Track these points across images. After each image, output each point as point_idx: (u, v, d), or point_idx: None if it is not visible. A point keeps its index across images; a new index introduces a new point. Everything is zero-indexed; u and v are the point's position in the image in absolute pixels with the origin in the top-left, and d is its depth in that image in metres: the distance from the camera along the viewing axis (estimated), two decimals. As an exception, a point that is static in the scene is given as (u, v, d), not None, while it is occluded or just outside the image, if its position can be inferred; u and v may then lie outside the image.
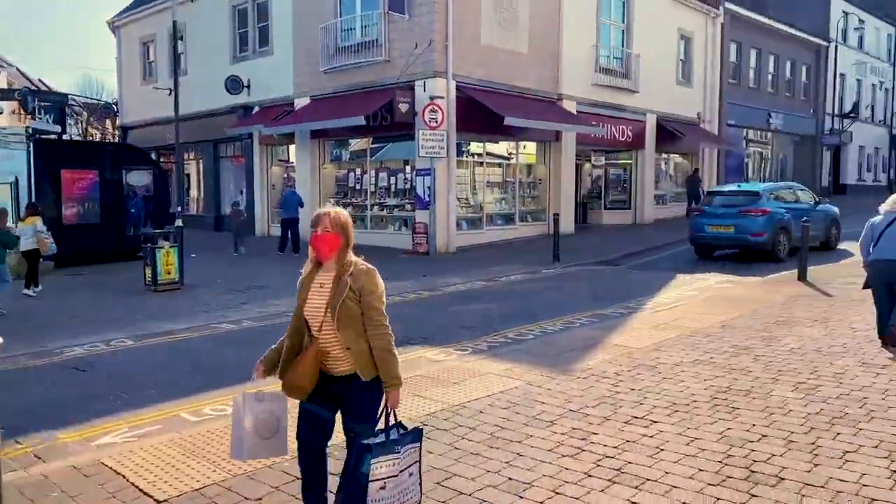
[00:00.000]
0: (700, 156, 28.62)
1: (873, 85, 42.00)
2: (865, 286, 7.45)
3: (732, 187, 17.70)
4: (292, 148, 22.49)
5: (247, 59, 23.72)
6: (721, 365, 6.80)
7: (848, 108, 38.75)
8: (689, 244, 16.51)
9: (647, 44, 24.80)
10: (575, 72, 21.91)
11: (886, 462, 4.38)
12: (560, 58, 21.26)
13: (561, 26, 21.18)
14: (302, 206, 18.39)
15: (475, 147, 20.00)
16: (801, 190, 17.31)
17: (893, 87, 44.14)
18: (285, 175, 23.42)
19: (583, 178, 25.78)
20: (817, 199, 17.23)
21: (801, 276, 12.01)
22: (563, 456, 4.61)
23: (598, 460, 4.53)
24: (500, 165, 21.10)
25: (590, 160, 25.64)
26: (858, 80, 40.27)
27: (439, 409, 5.65)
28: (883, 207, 7.31)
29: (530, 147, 21.94)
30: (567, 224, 21.61)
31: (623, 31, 24.27)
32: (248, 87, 23.09)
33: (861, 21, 37.84)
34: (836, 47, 37.22)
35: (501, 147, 21.00)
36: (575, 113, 21.72)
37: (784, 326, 8.47)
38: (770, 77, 33.47)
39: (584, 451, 4.69)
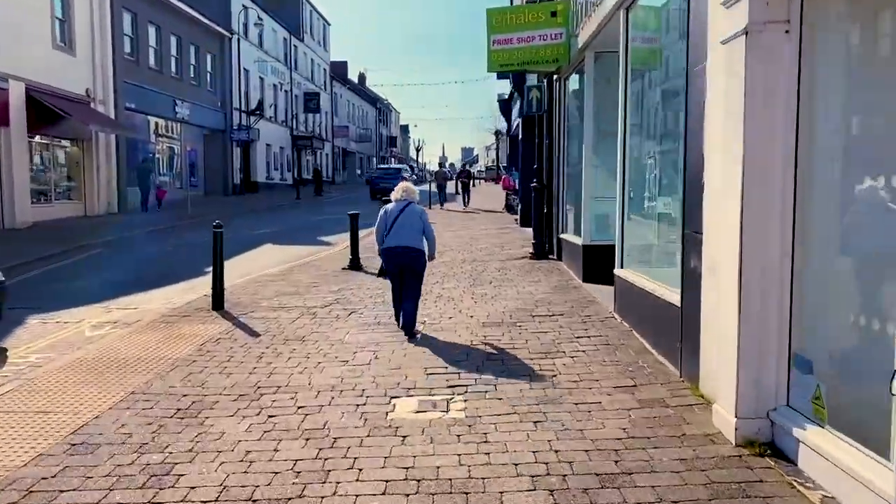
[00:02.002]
0: (93, 142, 23.21)
1: (275, 85, 43.22)
2: (381, 274, 7.55)
3: (386, 166, 44.81)
4: None
5: None
6: None
7: (254, 104, 38.62)
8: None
9: (2, -17, 18.17)
10: None
11: None
12: None
13: None
14: None
15: None
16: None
17: (291, 90, 46.54)
18: None
19: None
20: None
21: (218, 306, 8.56)
22: None
23: None
24: None
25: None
26: (262, 78, 40.66)
27: None
28: (394, 195, 7.31)
29: None
30: None
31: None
32: None
33: (260, 18, 37.97)
34: (238, 40, 36.39)
35: None
36: None
37: (190, 428, 4.65)
38: (174, 61, 30.12)
39: None
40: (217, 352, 6.57)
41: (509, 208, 23.78)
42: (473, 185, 46.93)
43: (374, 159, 78.38)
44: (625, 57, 7.32)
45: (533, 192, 12.52)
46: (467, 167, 35.27)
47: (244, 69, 37.53)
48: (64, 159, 22.88)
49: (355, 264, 11.99)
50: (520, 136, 19.02)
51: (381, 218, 7.19)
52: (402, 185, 7.51)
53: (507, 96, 25.68)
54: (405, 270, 7.08)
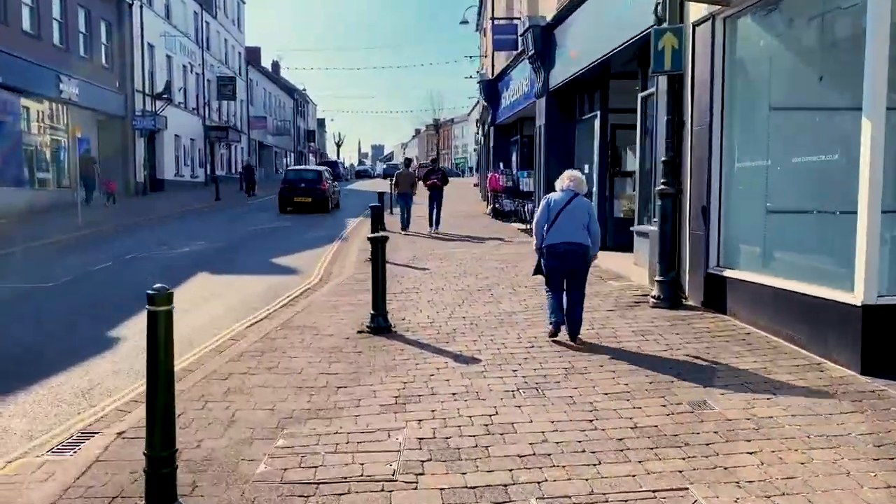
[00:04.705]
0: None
1: (184, 66, 36.71)
2: (537, 272, 6.65)
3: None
4: None
5: None
6: None
7: (160, 87, 32.16)
8: None
9: None
10: None
11: None
12: None
13: None
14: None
15: None
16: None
17: (203, 73, 40.05)
18: None
19: None
20: None
21: (165, 497, 3.44)
22: None
23: None
24: None
25: None
26: (169, 57, 34.13)
27: None
28: (560, 184, 6.56)
29: None
30: None
31: None
32: None
33: (167, -17, 31.60)
34: (141, 9, 29.94)
35: None
36: None
37: None
38: (57, 26, 23.61)
39: None
40: None
41: (501, 214, 19.11)
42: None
43: (292, 154, 71.93)
44: None
45: (660, 199, 7.89)
46: (434, 162, 22.24)
47: (148, 44, 31.00)
48: None
49: (381, 321, 7.03)
50: (541, 123, 14.39)
51: (543, 209, 6.46)
52: (569, 173, 6.68)
53: (491, 76, 20.95)
54: (568, 270, 6.36)
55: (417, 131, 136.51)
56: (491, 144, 21.90)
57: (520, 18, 17.05)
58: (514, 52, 17.55)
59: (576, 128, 13.92)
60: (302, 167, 34.11)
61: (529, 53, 14.18)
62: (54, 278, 10.67)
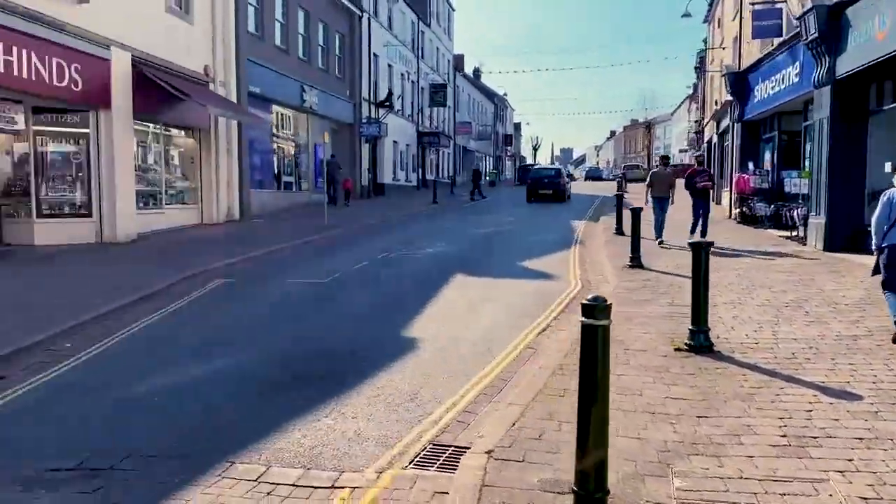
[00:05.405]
0: (212, 132, 18.63)
1: (402, 74, 38.31)
2: (876, 272, 6.31)
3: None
4: None
5: None
6: None
7: (382, 95, 33.73)
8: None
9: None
10: None
11: None
12: None
13: None
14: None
15: None
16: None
17: (418, 81, 41.56)
18: None
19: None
20: None
21: None
22: None
23: None
24: None
25: (-7, 122, 13.18)
26: (390, 66, 35.78)
27: None
28: None
29: None
30: None
31: None
32: None
33: (392, -5, 33.09)
34: (369, 21, 31.57)
35: None
36: None
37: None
38: (301, 40, 25.48)
39: None
40: None
41: (750, 219, 17.29)
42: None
43: (491, 159, 72.88)
44: None
45: None
46: (701, 161, 19.75)
47: (374, 54, 32.66)
48: (176, 153, 18.38)
49: (703, 339, 6.19)
50: (821, 116, 12.61)
51: (885, 206, 6.12)
52: None
53: (738, 69, 19.13)
54: None
55: (612, 133, 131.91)
56: (736, 143, 19.97)
57: (784, 2, 15.27)
58: (776, 40, 15.76)
59: (869, 120, 12.03)
60: (543, 166, 41.28)
61: (810, 38, 12.48)
62: (324, 275, 11.07)
